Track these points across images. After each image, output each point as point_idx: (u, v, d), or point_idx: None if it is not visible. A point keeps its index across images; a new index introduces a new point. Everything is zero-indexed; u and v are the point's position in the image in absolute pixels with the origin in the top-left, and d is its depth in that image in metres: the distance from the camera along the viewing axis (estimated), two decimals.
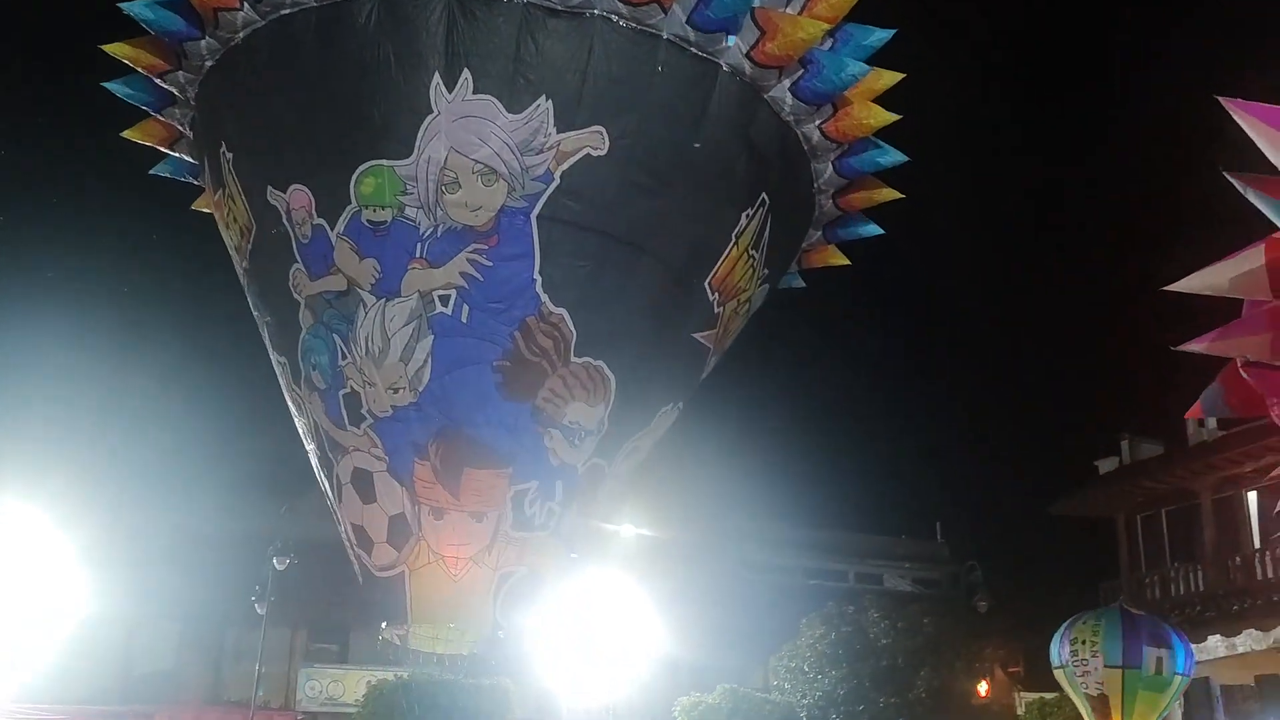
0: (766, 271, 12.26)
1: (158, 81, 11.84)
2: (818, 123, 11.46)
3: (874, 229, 13.10)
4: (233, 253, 12.30)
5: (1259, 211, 9.17)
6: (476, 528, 11.16)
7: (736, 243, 11.50)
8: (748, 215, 11.45)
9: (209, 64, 11.39)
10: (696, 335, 11.80)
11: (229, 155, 11.54)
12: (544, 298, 10.74)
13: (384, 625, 11.77)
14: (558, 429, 11.11)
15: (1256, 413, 9.19)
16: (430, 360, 10.82)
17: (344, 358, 11.05)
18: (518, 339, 10.77)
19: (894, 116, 11.50)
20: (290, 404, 12.07)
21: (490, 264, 10.62)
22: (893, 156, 12.05)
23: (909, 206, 13.05)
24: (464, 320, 10.73)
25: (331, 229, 10.84)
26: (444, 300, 10.71)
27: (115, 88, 12.15)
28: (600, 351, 11.06)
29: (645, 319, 11.27)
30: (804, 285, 14.20)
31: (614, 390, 11.24)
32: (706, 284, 11.48)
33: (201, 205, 13.45)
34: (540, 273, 10.68)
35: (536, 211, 10.53)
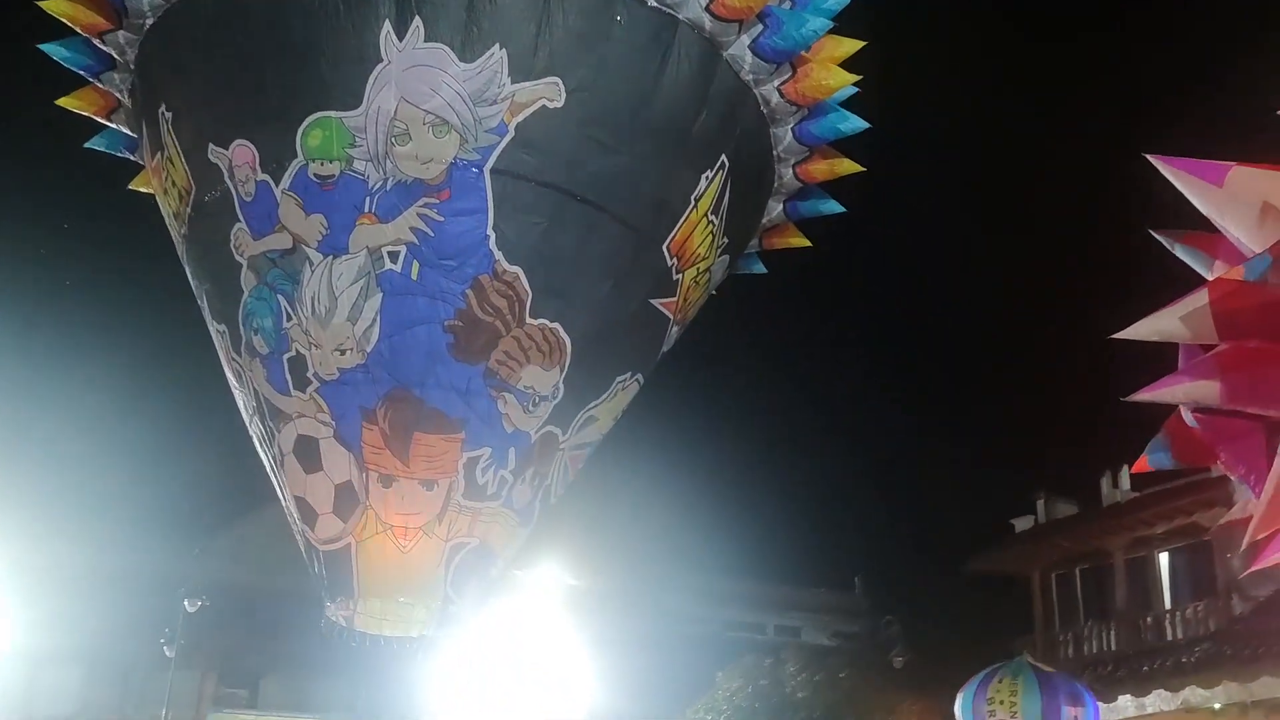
0: (726, 241, 11.98)
1: (97, 43, 11.47)
2: (777, 84, 11.25)
3: (834, 206, 12.89)
4: (170, 222, 11.85)
5: (1186, 267, 9.12)
6: (427, 496, 10.70)
7: (695, 206, 11.22)
8: (706, 178, 11.18)
9: (150, 21, 11.04)
10: (655, 302, 11.48)
11: (168, 115, 11.13)
12: (498, 255, 10.37)
13: (329, 605, 11.26)
14: (512, 393, 10.71)
15: (1202, 461, 9.08)
16: (379, 320, 10.41)
17: (289, 319, 10.61)
18: (470, 298, 10.39)
19: (854, 77, 11.33)
20: (230, 375, 11.59)
21: (442, 219, 10.25)
22: (853, 123, 11.85)
23: (823, 258, 13.06)
24: (414, 278, 10.34)
25: (276, 185, 10.43)
26: (393, 257, 10.32)
27: (53, 50, 11.76)
28: (557, 313, 10.70)
29: (603, 281, 10.94)
30: (765, 271, 13.94)
31: (570, 354, 10.87)
32: (665, 248, 11.17)
33: (139, 185, 13.01)
34: (494, 229, 10.32)
35: (490, 165, 10.20)
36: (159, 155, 11.43)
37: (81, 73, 11.97)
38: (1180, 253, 8.95)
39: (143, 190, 12.96)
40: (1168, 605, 26.67)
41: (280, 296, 10.61)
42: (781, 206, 12.84)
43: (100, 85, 12.02)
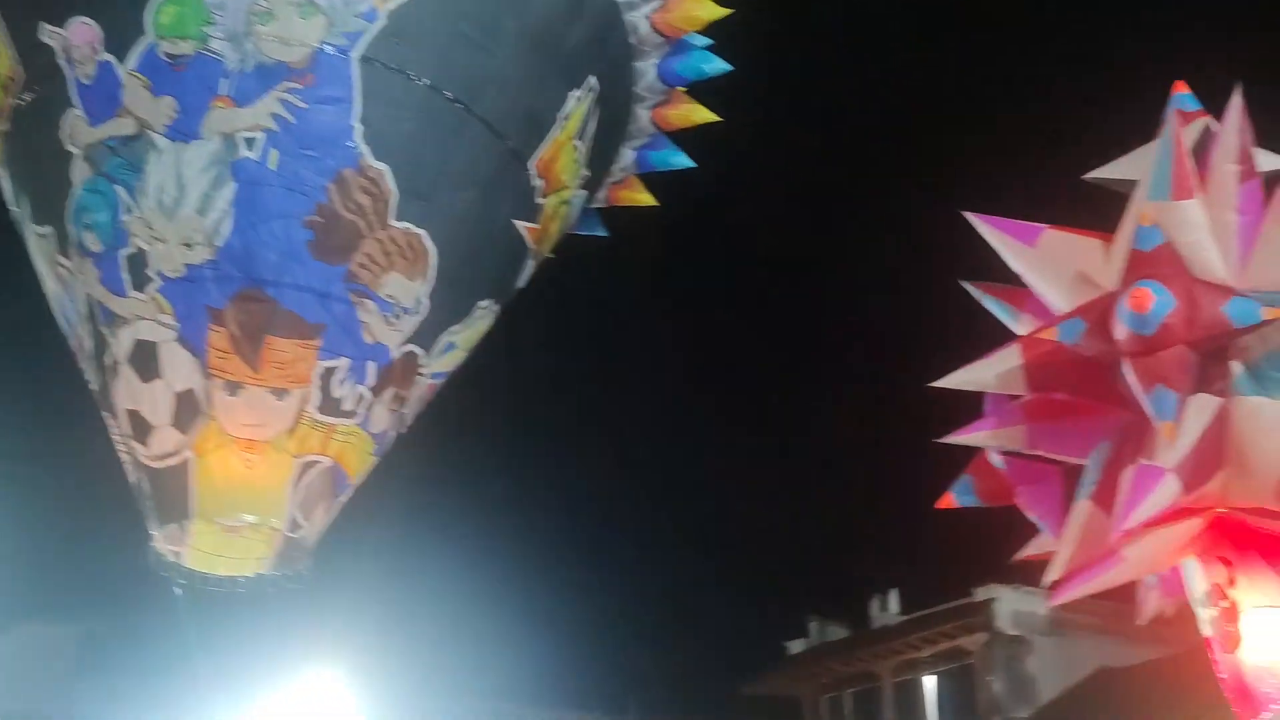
0: (587, 174, 11.76)
1: None
2: (646, 11, 11.21)
3: (684, 160, 12.84)
4: None
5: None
6: (277, 406, 9.89)
7: (564, 127, 10.97)
8: (575, 98, 10.96)
9: None
10: (519, 224, 11.09)
11: None
12: (363, 149, 9.82)
13: (156, 535, 10.22)
14: (373, 300, 10.08)
15: (1003, 500, 9.55)
16: (232, 212, 9.64)
17: (128, 212, 9.72)
18: (332, 192, 9.77)
19: (725, 11, 11.39)
20: (51, 283, 10.53)
21: (305, 105, 9.65)
22: (717, 65, 11.90)
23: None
24: (272, 167, 9.65)
25: (121, 64, 9.64)
26: (250, 144, 9.62)
27: None
28: (422, 218, 10.18)
29: (470, 189, 10.50)
30: (606, 234, 13.74)
31: (434, 266, 10.33)
32: (532, 165, 10.85)
33: None
34: (361, 121, 9.77)
35: (359, 52, 9.69)
36: None
37: None
38: (989, 304, 9.42)
39: None
40: None
41: (119, 187, 9.74)
42: (634, 155, 12.72)
43: None
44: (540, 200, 11.18)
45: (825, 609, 32.49)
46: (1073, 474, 9.12)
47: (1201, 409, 8.15)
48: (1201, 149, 8.61)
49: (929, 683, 28.43)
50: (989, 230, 9.13)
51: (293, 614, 11.05)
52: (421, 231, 10.19)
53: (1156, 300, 7.92)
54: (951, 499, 9.96)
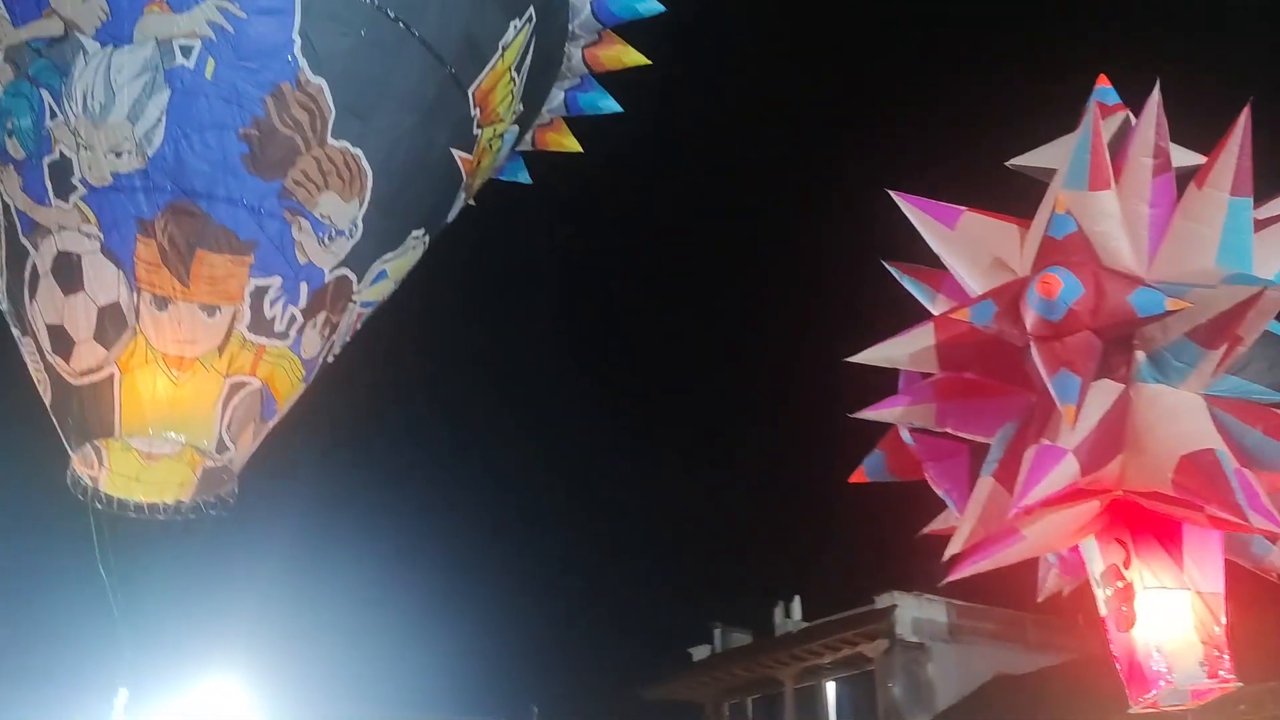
0: (521, 109, 11.66)
1: None
2: None
3: (612, 104, 12.82)
4: None
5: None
6: (208, 323, 9.61)
7: (502, 56, 10.85)
8: (515, 26, 10.86)
9: None
10: (455, 151, 10.95)
11: None
12: (302, 63, 9.59)
13: (75, 456, 9.85)
14: (308, 219, 9.86)
15: (913, 475, 9.74)
16: (164, 120, 9.34)
17: (53, 116, 9.36)
18: (269, 105, 9.52)
19: None
20: None
21: (244, 15, 9.39)
22: (650, 5, 11.89)
23: None
24: (208, 77, 9.37)
25: None
26: (185, 52, 9.33)
27: None
28: (359, 138, 9.98)
29: (407, 113, 10.31)
30: (529, 182, 13.66)
31: (370, 189, 10.15)
32: (470, 93, 10.71)
33: None
34: (300, 34, 9.54)
35: None
36: None
37: None
38: (908, 284, 9.60)
39: None
40: None
41: (44, 91, 9.37)
42: (563, 97, 12.66)
43: None
44: (476, 131, 11.06)
45: (729, 615, 32.81)
46: (980, 452, 9.22)
47: (1103, 394, 8.27)
48: (1119, 141, 8.70)
49: (830, 689, 28.80)
50: (911, 210, 9.22)
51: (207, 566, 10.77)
52: (359, 151, 10.00)
53: (1064, 286, 7.94)
54: (863, 474, 10.13)
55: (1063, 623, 27.72)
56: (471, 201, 12.29)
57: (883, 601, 27.09)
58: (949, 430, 9.48)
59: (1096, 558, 9.16)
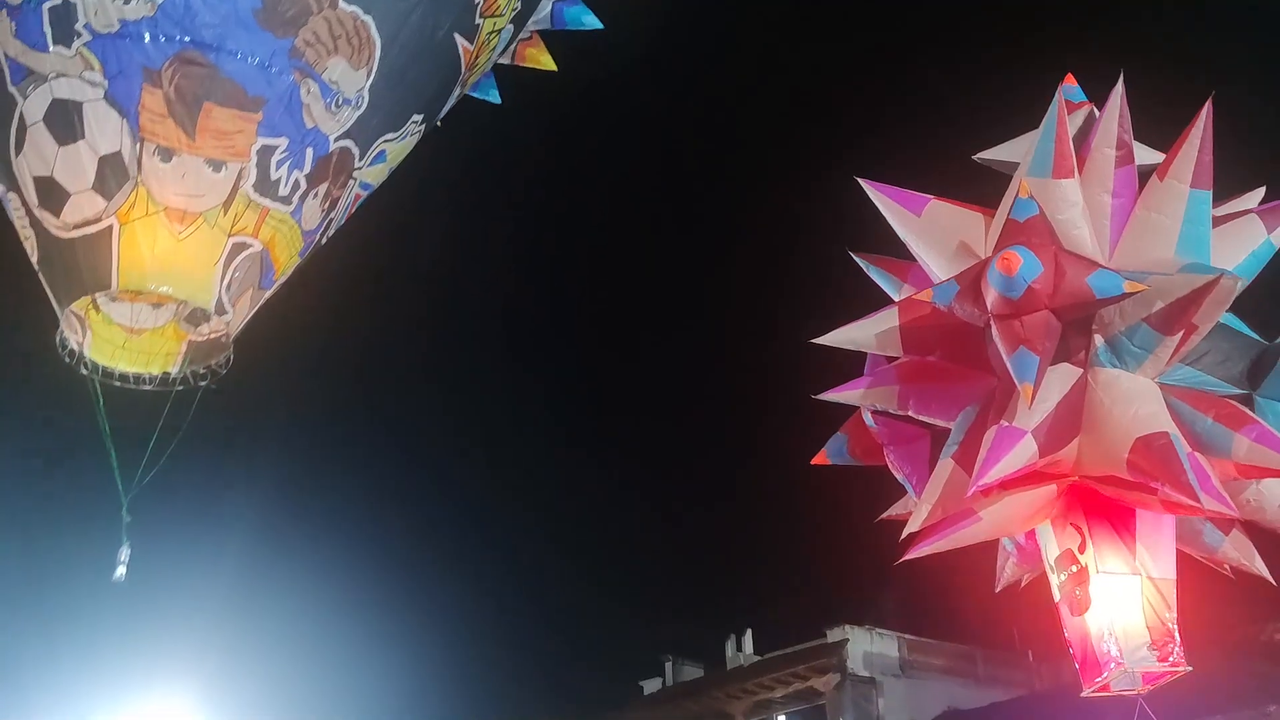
0: (517, 7, 11.57)
1: None
2: None
3: (594, 21, 12.79)
4: None
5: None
6: (213, 178, 9.32)
7: None
8: None
9: None
10: (458, 36, 10.81)
11: None
12: None
13: (63, 317, 9.46)
14: (316, 82, 9.63)
15: (875, 459, 9.92)
16: None
17: None
18: None
19: None
20: None
21: None
22: None
23: None
24: None
25: None
26: None
27: None
28: (370, 5, 9.80)
29: None
30: (499, 102, 13.54)
31: (377, 59, 9.97)
32: None
33: None
34: None
35: None
36: None
37: None
38: (873, 274, 9.75)
39: None
40: None
41: None
42: (550, 9, 12.61)
43: None
44: (479, 21, 10.94)
45: (680, 648, 32.62)
46: (940, 438, 9.34)
47: (1062, 378, 8.43)
48: (1083, 135, 8.89)
49: None
50: (879, 197, 9.32)
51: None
52: (368, 20, 9.82)
53: (1024, 263, 8.02)
54: (825, 456, 10.18)
55: (1013, 657, 28.19)
56: (439, 123, 12.13)
57: (834, 635, 27.21)
58: (910, 413, 9.54)
59: (1052, 543, 9.27)
